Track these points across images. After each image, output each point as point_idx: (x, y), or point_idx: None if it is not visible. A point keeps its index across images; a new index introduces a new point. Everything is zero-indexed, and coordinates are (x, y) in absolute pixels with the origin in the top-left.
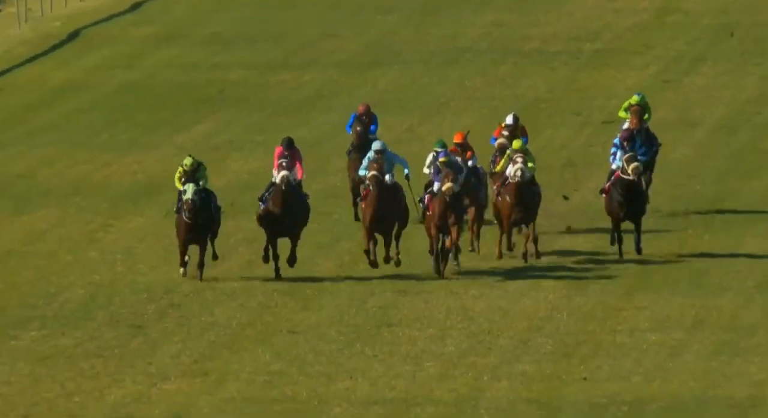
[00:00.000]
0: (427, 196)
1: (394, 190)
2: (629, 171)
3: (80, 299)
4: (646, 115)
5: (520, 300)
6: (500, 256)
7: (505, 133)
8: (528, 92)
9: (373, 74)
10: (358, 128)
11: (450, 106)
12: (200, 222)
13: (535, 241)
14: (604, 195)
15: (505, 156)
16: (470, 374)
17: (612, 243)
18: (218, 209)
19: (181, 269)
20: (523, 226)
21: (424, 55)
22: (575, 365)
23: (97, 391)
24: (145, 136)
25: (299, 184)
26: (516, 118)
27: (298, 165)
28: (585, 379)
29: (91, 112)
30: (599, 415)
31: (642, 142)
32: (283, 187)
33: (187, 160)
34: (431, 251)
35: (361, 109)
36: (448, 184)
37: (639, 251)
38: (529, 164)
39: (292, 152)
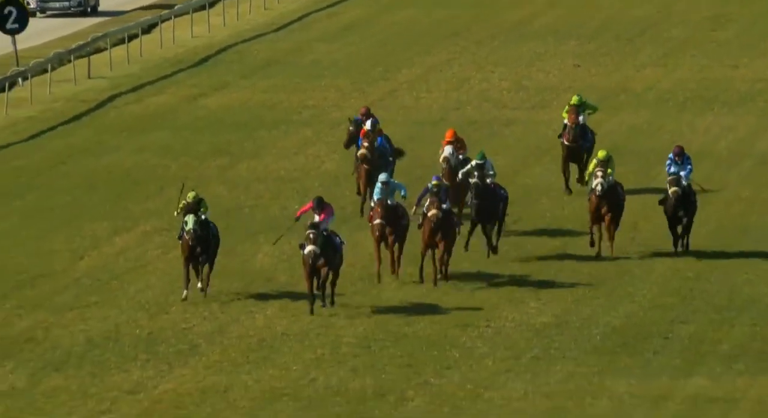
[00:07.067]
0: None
1: (395, 210)
2: (669, 193)
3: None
4: (588, 111)
5: None
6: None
7: (365, 143)
8: None
9: None
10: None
11: None
12: (200, 248)
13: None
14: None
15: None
16: None
17: (674, 245)
18: (216, 236)
19: (184, 292)
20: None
21: None
22: None
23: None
24: None
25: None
26: (374, 124)
27: (323, 216)
28: None
29: None
30: None
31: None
32: (310, 261)
33: (191, 194)
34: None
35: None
36: (433, 211)
37: (686, 246)
38: (609, 171)
39: (322, 209)
